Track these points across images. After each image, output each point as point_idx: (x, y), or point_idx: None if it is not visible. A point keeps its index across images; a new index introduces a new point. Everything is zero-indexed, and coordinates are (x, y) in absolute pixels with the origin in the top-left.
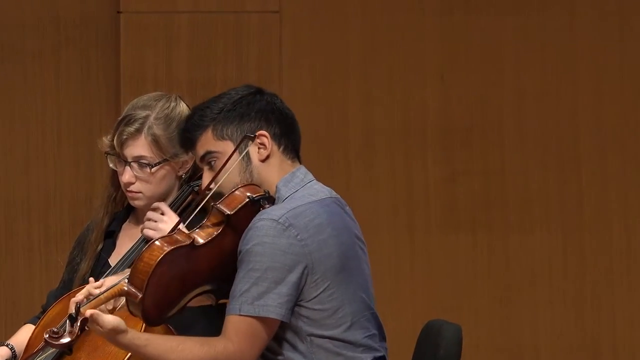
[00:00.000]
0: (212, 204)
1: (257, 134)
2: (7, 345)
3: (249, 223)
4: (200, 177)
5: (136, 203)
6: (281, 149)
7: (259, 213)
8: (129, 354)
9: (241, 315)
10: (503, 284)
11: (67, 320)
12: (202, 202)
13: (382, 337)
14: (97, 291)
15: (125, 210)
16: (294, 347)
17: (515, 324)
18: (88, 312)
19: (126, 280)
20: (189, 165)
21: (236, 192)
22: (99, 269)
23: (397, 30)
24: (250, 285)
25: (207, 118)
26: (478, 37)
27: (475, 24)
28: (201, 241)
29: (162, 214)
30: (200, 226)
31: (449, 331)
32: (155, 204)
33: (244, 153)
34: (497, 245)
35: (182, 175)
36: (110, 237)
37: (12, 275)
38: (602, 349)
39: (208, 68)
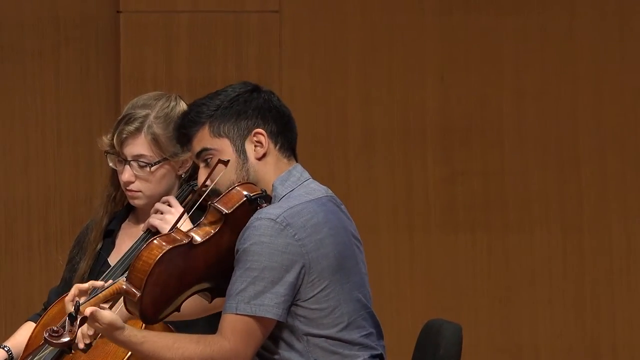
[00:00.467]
0: (209, 202)
1: (253, 132)
2: (3, 348)
3: (246, 221)
4: None
5: (136, 202)
6: (277, 147)
7: (256, 212)
8: (129, 353)
9: (237, 314)
10: (503, 283)
11: (67, 319)
12: (199, 199)
13: (380, 336)
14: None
15: (125, 210)
16: (291, 346)
17: (514, 323)
18: (88, 310)
19: (124, 279)
20: (188, 165)
21: (233, 190)
22: (98, 268)
23: (397, 30)
24: (247, 284)
25: (203, 115)
26: (478, 37)
27: (475, 24)
28: (199, 240)
29: (170, 206)
30: (197, 225)
31: (449, 331)
32: (165, 198)
33: (240, 151)
34: (497, 245)
35: (181, 175)
36: (110, 236)
37: (12, 275)
38: (601, 348)
39: (208, 67)
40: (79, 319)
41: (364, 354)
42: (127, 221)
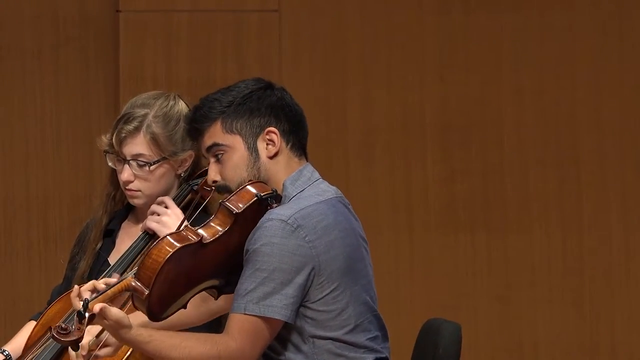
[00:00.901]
0: (220, 200)
1: (266, 130)
2: (2, 352)
3: (255, 221)
4: (200, 176)
5: (135, 202)
6: (289, 145)
7: (267, 212)
8: (128, 353)
9: (246, 314)
10: (502, 283)
11: (75, 317)
12: (208, 196)
13: (385, 338)
14: (103, 286)
15: (124, 209)
16: (297, 348)
17: (514, 323)
18: (96, 307)
19: (133, 276)
20: (188, 164)
21: (244, 189)
22: (98, 268)
23: (396, 29)
24: (256, 284)
25: (215, 110)
26: (477, 36)
27: (474, 23)
28: (209, 239)
29: (166, 207)
30: (207, 223)
31: (448, 330)
32: (160, 198)
33: (252, 148)
34: (496, 244)
35: (181, 174)
36: (110, 235)
37: (12, 275)
38: (600, 347)
39: (207, 67)
40: (87, 317)
41: (369, 357)
42: (126, 220)
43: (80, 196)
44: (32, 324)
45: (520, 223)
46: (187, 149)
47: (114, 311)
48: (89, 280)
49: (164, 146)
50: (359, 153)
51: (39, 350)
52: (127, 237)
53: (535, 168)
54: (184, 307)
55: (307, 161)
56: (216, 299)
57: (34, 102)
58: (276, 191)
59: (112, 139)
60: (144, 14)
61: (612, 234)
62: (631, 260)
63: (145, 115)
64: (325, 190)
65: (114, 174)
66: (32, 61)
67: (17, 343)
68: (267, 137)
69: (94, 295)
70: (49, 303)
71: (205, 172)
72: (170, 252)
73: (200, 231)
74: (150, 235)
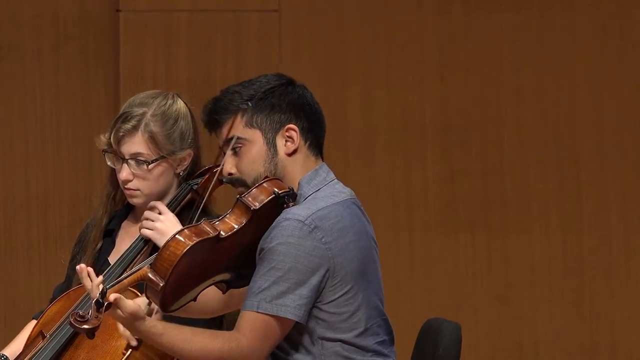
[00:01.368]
0: (238, 196)
1: (286, 127)
2: (2, 358)
3: (270, 218)
4: (199, 175)
5: (134, 201)
6: (307, 144)
7: (284, 212)
8: (128, 353)
9: (258, 312)
10: (502, 282)
11: (93, 304)
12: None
13: (392, 342)
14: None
15: (124, 209)
16: (306, 349)
17: (514, 322)
18: (111, 297)
19: (149, 266)
20: (186, 163)
21: (262, 186)
22: (99, 267)
23: (396, 29)
24: (270, 283)
25: (236, 103)
26: (477, 36)
27: (474, 23)
28: (225, 234)
29: (160, 213)
30: (222, 218)
31: (449, 330)
32: (152, 203)
33: (271, 144)
34: (496, 244)
35: (180, 173)
36: (110, 235)
37: (12, 274)
38: (600, 347)
39: (207, 67)
40: (105, 305)
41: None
42: (126, 220)
43: (80, 196)
44: (34, 323)
45: (520, 223)
46: (185, 147)
47: (130, 303)
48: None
49: (162, 145)
50: (359, 153)
51: (39, 350)
52: (127, 237)
53: (535, 168)
54: (194, 299)
55: (323, 161)
56: (224, 292)
57: (34, 102)
58: (292, 189)
59: (110, 138)
60: (144, 13)
61: (612, 234)
62: (631, 260)
63: (143, 114)
64: (341, 192)
65: (113, 174)
66: (32, 61)
67: (17, 345)
68: (287, 134)
69: (111, 284)
70: (51, 302)
71: (205, 172)
72: (188, 245)
73: (217, 225)
74: (145, 242)
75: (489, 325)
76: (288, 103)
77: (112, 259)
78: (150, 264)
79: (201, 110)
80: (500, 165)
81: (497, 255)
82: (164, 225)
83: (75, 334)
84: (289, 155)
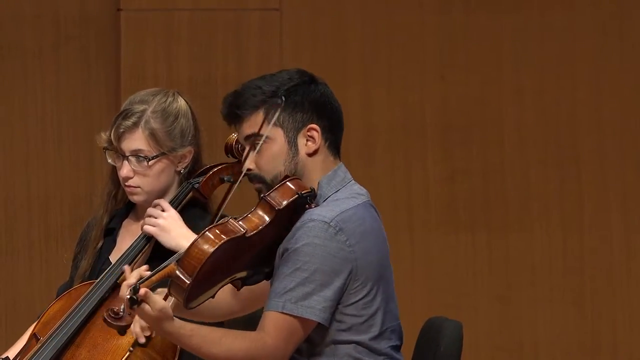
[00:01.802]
0: (262, 194)
1: (308, 126)
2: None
3: (290, 217)
4: (201, 174)
5: (135, 198)
6: (327, 144)
7: (308, 212)
8: (127, 353)
9: (283, 312)
10: (503, 282)
11: (127, 301)
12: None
13: (400, 348)
14: (148, 273)
15: (125, 208)
16: (320, 350)
17: (514, 321)
18: (141, 291)
19: (176, 263)
20: (187, 160)
21: (285, 185)
22: (100, 266)
23: (397, 29)
24: (296, 284)
25: (258, 98)
26: (477, 35)
27: (475, 23)
28: (251, 232)
29: (163, 210)
30: (246, 216)
31: (450, 328)
32: (156, 201)
33: (292, 143)
34: (497, 243)
35: (180, 171)
36: (111, 234)
37: (12, 274)
38: (601, 347)
39: (208, 65)
40: (139, 301)
41: None
42: (127, 219)
43: (81, 196)
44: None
45: (520, 222)
46: (186, 145)
47: (159, 299)
48: (90, 280)
49: (163, 141)
50: (360, 153)
51: (39, 350)
52: (128, 236)
53: (535, 168)
54: (213, 297)
55: (340, 161)
56: (239, 289)
57: (35, 102)
58: (313, 190)
59: (110, 135)
60: (144, 12)
61: (613, 233)
62: (632, 260)
63: (143, 111)
64: (359, 194)
65: (114, 173)
66: (32, 61)
67: (19, 347)
68: (308, 133)
69: (141, 280)
70: None
71: (205, 171)
72: (217, 243)
73: (243, 224)
74: (147, 240)
75: (490, 325)
76: (310, 102)
77: (114, 257)
78: (177, 261)
79: (221, 102)
80: (501, 165)
81: (497, 255)
82: (167, 222)
83: (76, 333)
84: (310, 155)
